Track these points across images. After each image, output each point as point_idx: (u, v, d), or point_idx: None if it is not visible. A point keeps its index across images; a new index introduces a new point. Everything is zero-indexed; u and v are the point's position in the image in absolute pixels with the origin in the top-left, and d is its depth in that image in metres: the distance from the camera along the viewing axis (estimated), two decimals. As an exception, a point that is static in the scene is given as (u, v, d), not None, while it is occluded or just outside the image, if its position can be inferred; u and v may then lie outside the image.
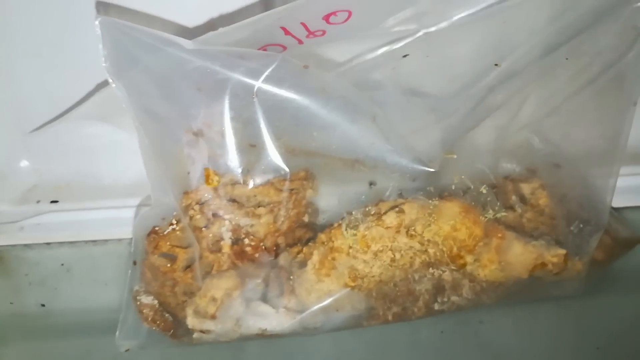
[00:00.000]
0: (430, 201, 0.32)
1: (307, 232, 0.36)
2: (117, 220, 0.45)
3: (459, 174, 0.33)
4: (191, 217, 0.33)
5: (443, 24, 0.35)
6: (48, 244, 0.46)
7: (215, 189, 0.33)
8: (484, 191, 0.33)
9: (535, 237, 0.34)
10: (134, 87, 0.32)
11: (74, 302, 0.41)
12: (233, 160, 0.32)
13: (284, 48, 0.35)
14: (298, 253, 0.34)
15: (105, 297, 0.41)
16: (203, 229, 0.33)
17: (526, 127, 0.36)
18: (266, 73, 0.30)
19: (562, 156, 0.37)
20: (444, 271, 0.33)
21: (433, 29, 0.35)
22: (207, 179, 0.32)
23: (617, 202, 0.42)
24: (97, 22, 0.29)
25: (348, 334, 0.36)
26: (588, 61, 0.35)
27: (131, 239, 0.44)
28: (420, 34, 0.35)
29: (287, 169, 0.32)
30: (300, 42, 0.34)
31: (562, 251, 0.32)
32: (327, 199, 0.37)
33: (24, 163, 0.49)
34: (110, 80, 0.31)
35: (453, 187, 0.33)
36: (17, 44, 0.41)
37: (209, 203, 0.33)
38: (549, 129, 0.37)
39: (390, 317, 0.34)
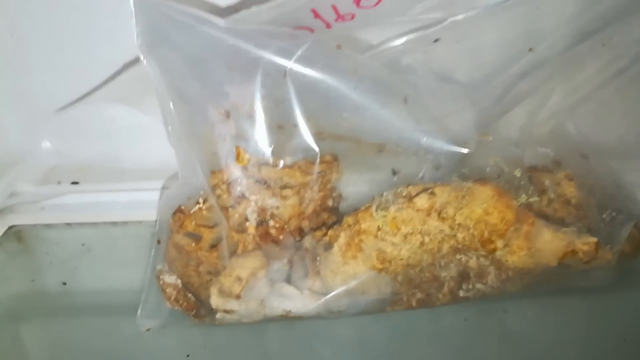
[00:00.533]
0: (464, 183, 0.31)
1: (330, 216, 0.36)
2: (137, 203, 0.46)
3: (493, 156, 0.33)
4: (218, 196, 0.33)
5: (471, 12, 0.34)
6: (69, 224, 0.46)
7: (243, 169, 0.32)
8: (518, 175, 0.33)
9: (565, 225, 0.33)
10: (165, 64, 0.32)
11: (94, 282, 0.41)
12: (263, 140, 0.32)
13: (312, 31, 0.34)
14: (323, 236, 0.34)
15: (125, 277, 0.41)
16: (230, 208, 0.33)
17: (555, 115, 0.36)
18: (299, 53, 0.29)
19: (589, 147, 0.37)
20: (470, 257, 0.33)
21: (460, 17, 0.35)
22: (237, 157, 0.32)
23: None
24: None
25: (370, 319, 0.36)
26: (620, 51, 0.35)
27: (151, 221, 0.44)
28: (447, 22, 0.35)
29: (317, 150, 0.32)
30: (328, 25, 0.34)
31: (594, 239, 0.32)
32: (351, 185, 0.37)
33: (46, 144, 0.49)
34: (142, 57, 0.31)
35: (487, 170, 0.33)
36: (43, 25, 0.41)
37: (236, 183, 0.33)
38: (577, 118, 0.36)
39: (414, 303, 0.34)
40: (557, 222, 0.34)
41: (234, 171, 0.32)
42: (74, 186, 0.48)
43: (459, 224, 0.31)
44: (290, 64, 0.29)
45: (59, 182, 0.49)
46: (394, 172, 0.36)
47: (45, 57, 0.43)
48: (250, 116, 0.31)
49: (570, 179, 0.36)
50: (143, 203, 0.45)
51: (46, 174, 0.49)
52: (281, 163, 0.32)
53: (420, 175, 0.33)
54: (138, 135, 0.48)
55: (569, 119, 0.36)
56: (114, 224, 0.46)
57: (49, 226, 0.46)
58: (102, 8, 0.39)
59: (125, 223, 0.46)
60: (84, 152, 0.49)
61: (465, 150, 0.31)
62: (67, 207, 0.46)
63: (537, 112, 0.36)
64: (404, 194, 0.31)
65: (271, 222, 0.34)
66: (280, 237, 0.34)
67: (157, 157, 0.46)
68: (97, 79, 0.43)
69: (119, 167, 0.49)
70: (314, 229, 0.35)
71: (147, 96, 0.36)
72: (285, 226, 0.34)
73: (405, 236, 0.31)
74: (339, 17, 0.34)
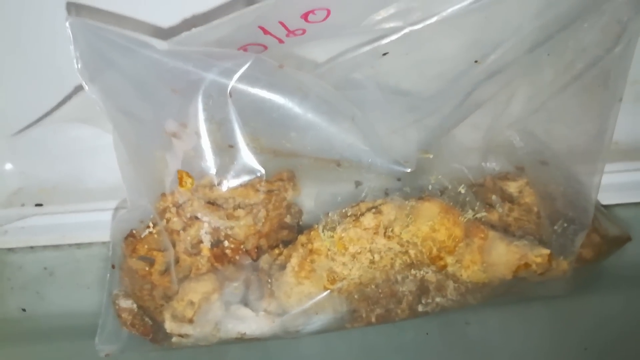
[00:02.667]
0: (407, 202, 0.31)
1: (289, 233, 0.36)
2: (102, 223, 0.45)
3: (437, 174, 0.33)
4: (168, 220, 0.33)
5: (428, 21, 0.34)
6: (32, 247, 0.45)
7: (192, 191, 0.32)
8: (462, 191, 0.32)
9: (519, 236, 0.33)
10: (109, 89, 0.31)
11: (56, 307, 0.41)
12: (208, 161, 0.31)
13: (265, 48, 0.34)
14: (279, 255, 0.33)
15: (88, 301, 0.41)
16: (180, 231, 0.33)
17: (512, 125, 0.36)
18: (240, 72, 0.29)
19: (548, 153, 0.37)
20: (426, 272, 0.32)
21: (418, 26, 0.34)
22: (180, 181, 0.31)
23: (607, 199, 0.42)
24: (67, 24, 0.29)
25: (332, 336, 0.36)
26: (573, 57, 0.34)
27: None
28: (405, 31, 0.34)
29: (262, 170, 0.31)
30: (280, 41, 0.34)
31: (546, 251, 0.32)
32: (312, 199, 0.37)
33: (9, 166, 0.49)
34: (83, 82, 0.30)
35: (430, 188, 0.33)
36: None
37: (186, 206, 0.32)
38: (534, 126, 0.36)
39: (373, 319, 0.34)
40: (514, 233, 0.33)
41: (182, 194, 0.32)
42: (38, 208, 0.47)
43: (407, 241, 0.31)
44: (231, 84, 0.29)
45: (23, 205, 0.48)
46: (357, 184, 0.36)
47: (1, 78, 0.43)
48: (196, 138, 0.31)
49: (530, 186, 0.36)
50: (108, 223, 0.44)
51: (9, 196, 0.48)
52: (225, 185, 0.32)
53: (363, 194, 0.32)
54: (102, 155, 0.46)
55: (520, 129, 0.35)
56: (79, 245, 0.45)
57: (11, 250, 0.45)
58: (54, 27, 0.39)
59: (89, 244, 0.45)
60: (48, 173, 0.48)
61: (405, 169, 0.31)
62: (30, 229, 0.46)
63: (494, 122, 0.36)
64: (350, 213, 0.31)
65: (226, 243, 0.33)
66: (237, 257, 0.34)
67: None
68: (56, 99, 0.43)
69: (84, 187, 0.49)
70: (273, 247, 0.35)
71: (108, 116, 0.36)
72: (242, 246, 0.34)
73: (354, 255, 0.31)
74: (290, 32, 0.33)
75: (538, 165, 0.37)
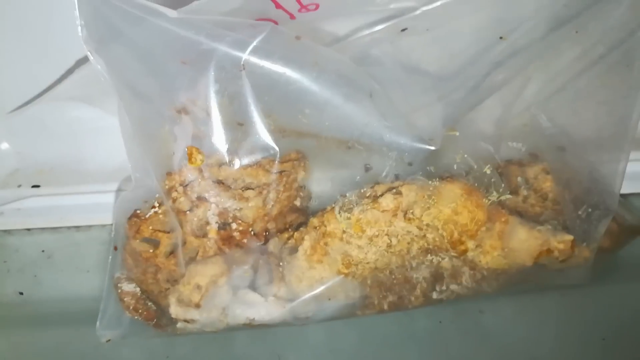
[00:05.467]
0: (430, 182, 0.30)
1: (298, 217, 0.34)
2: (101, 206, 0.44)
3: (462, 152, 0.31)
4: (174, 200, 0.31)
5: (442, 1, 0.33)
6: (29, 229, 0.44)
7: (200, 170, 0.30)
8: (488, 171, 0.31)
9: (540, 222, 0.32)
10: (115, 59, 0.30)
11: (54, 290, 0.40)
12: (218, 138, 0.30)
13: (276, 23, 0.33)
14: (289, 238, 0.32)
15: (87, 285, 0.39)
16: (187, 212, 0.31)
17: (531, 106, 0.34)
18: (254, 44, 0.27)
19: (567, 138, 0.35)
20: (443, 258, 0.31)
21: (432, 6, 0.33)
22: (190, 157, 0.30)
23: (624, 188, 0.40)
24: (71, -12, 0.27)
25: (342, 324, 0.35)
26: (597, 37, 0.33)
27: (116, 224, 0.42)
28: (418, 12, 0.33)
29: (276, 148, 0.30)
30: (292, 16, 0.32)
31: (569, 237, 0.31)
32: (321, 183, 0.35)
33: (5, 146, 0.47)
34: (88, 52, 0.29)
35: (455, 167, 0.31)
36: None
37: (193, 185, 0.31)
38: (554, 109, 0.35)
39: (385, 307, 0.33)
40: (533, 219, 0.32)
41: (190, 172, 0.31)
42: (35, 189, 0.46)
43: (427, 225, 0.29)
44: (245, 56, 0.27)
45: (19, 186, 0.46)
46: (367, 169, 0.34)
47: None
48: (206, 113, 0.29)
49: (547, 173, 0.35)
50: (107, 206, 0.43)
51: (5, 177, 0.47)
52: (237, 162, 0.30)
53: (384, 173, 0.31)
54: (102, 136, 0.45)
55: (545, 110, 0.34)
56: (77, 228, 0.44)
57: (7, 232, 0.44)
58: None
59: (88, 227, 0.44)
60: (46, 154, 0.47)
61: (431, 147, 0.30)
62: (27, 211, 0.44)
63: (512, 103, 0.34)
64: (368, 194, 0.30)
65: (234, 225, 0.32)
66: (244, 240, 0.32)
67: (122, 158, 0.44)
68: (54, 75, 0.41)
69: (83, 169, 0.47)
70: (281, 231, 0.33)
71: (109, 95, 0.34)
72: (250, 229, 0.32)
73: (371, 238, 0.29)
74: (303, 7, 0.32)
75: (555, 151, 0.36)
